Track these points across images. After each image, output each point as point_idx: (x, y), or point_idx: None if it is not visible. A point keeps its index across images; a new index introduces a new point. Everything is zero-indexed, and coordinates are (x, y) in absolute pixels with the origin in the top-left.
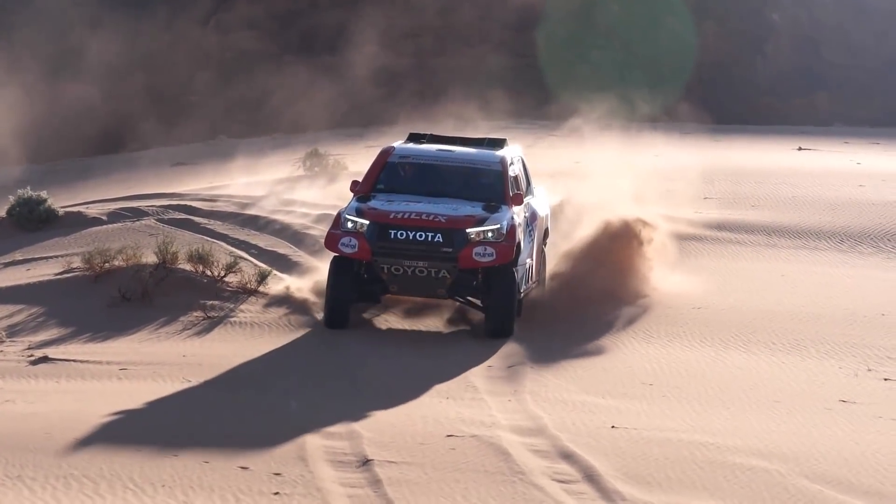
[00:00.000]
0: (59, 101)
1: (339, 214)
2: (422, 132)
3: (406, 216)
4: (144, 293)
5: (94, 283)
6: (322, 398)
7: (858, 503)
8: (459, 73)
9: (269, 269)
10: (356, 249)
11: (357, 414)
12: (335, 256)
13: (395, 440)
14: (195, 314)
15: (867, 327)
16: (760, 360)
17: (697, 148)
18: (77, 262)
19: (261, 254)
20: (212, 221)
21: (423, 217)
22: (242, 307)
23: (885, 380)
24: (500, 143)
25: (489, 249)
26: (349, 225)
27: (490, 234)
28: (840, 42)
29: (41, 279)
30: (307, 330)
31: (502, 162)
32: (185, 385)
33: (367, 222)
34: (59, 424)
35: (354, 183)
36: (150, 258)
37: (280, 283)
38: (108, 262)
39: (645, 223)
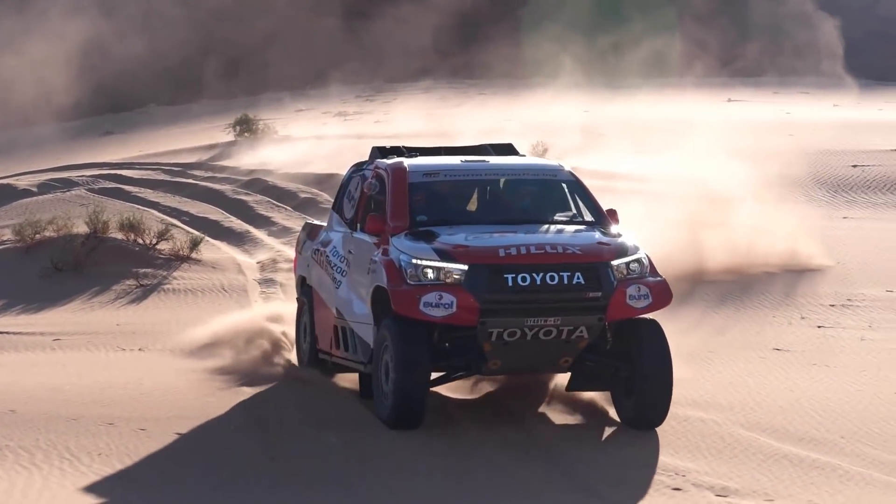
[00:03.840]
0: None
1: (390, 262)
2: (387, 146)
3: (523, 250)
4: (76, 263)
5: (25, 254)
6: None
7: (794, 450)
8: (390, 35)
9: (201, 235)
10: (453, 310)
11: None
12: (398, 320)
13: None
14: (128, 282)
15: (801, 277)
16: (695, 311)
17: (619, 101)
18: (8, 234)
19: (192, 220)
20: (143, 190)
21: (548, 249)
22: (175, 274)
23: (819, 327)
24: (509, 150)
25: (643, 290)
26: (429, 274)
27: (635, 268)
28: None
29: None
30: (240, 294)
31: (565, 169)
32: (120, 353)
33: (464, 267)
34: None
35: (373, 220)
36: (81, 228)
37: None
38: (39, 233)
39: None
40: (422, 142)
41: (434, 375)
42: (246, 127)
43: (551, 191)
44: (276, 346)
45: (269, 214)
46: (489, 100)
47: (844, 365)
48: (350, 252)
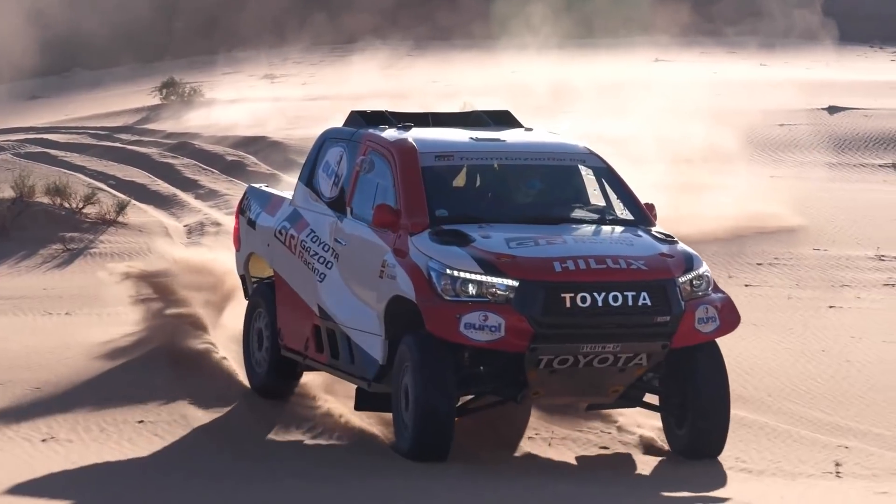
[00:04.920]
0: None
1: (416, 269)
2: (368, 111)
3: (582, 264)
4: (2, 227)
5: None
6: None
7: None
8: None
9: (128, 198)
10: (500, 334)
11: None
12: (423, 338)
13: None
14: (54, 247)
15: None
16: None
17: (544, 63)
18: None
19: (119, 184)
20: (69, 154)
21: (610, 264)
22: (102, 238)
23: (746, 286)
24: (506, 118)
25: (711, 311)
26: (470, 289)
27: (699, 284)
28: None
29: None
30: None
31: (594, 153)
32: (47, 318)
33: (514, 283)
34: None
35: (384, 212)
36: (6, 192)
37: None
38: None
39: None
40: (350, 104)
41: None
42: (172, 90)
43: (580, 180)
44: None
45: (197, 178)
46: (417, 61)
47: (772, 323)
48: (339, 242)
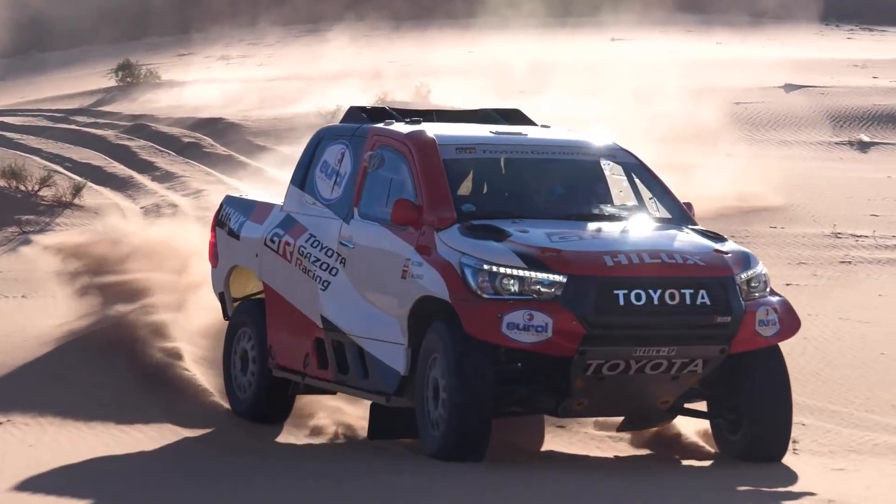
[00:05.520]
0: None
1: (447, 266)
2: (368, 106)
3: (635, 258)
4: None
5: None
6: None
7: None
8: None
9: (84, 181)
10: (548, 335)
11: None
12: (452, 324)
13: None
14: (10, 229)
15: None
16: None
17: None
18: None
19: (75, 166)
20: (24, 136)
21: (665, 259)
22: (58, 220)
23: None
24: (518, 116)
25: (771, 314)
26: (512, 285)
27: (756, 284)
28: None
29: None
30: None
31: (623, 148)
32: (2, 301)
33: (561, 278)
34: None
35: (404, 207)
36: None
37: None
38: None
39: None
40: (306, 86)
41: None
42: (128, 72)
43: (610, 176)
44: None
45: (153, 160)
46: (377, 41)
47: None
48: (346, 245)
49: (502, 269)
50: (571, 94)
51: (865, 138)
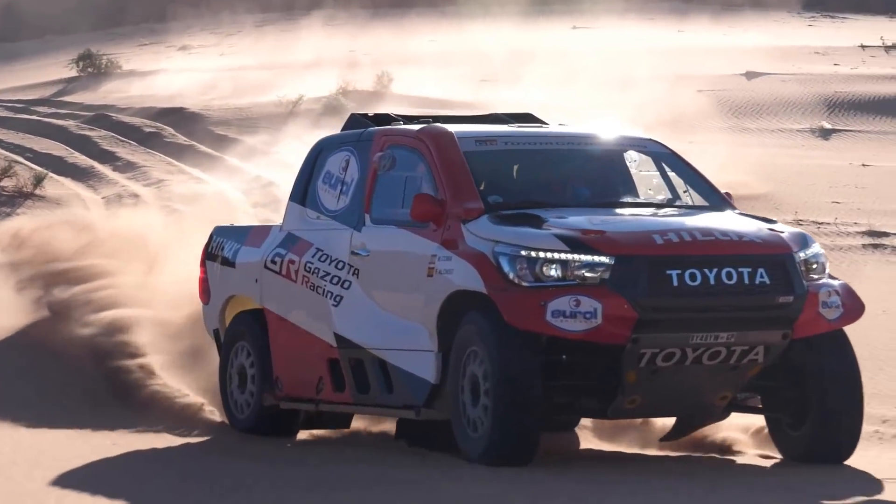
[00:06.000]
0: None
1: (480, 256)
2: (370, 113)
3: (686, 236)
4: None
5: None
6: None
7: None
8: None
9: (45, 171)
10: (597, 321)
11: None
12: (490, 312)
13: None
14: None
15: None
16: None
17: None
18: None
19: (36, 157)
20: None
21: (719, 236)
22: (19, 210)
23: None
24: (530, 120)
25: (833, 296)
26: (552, 270)
27: (815, 268)
28: None
29: None
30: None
31: (655, 140)
32: None
33: (608, 259)
34: None
35: (425, 202)
36: None
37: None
38: None
39: None
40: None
41: None
42: (89, 62)
43: (642, 167)
44: None
45: (114, 150)
46: (343, 30)
47: None
48: (359, 254)
49: (542, 254)
50: (535, 84)
51: (827, 125)
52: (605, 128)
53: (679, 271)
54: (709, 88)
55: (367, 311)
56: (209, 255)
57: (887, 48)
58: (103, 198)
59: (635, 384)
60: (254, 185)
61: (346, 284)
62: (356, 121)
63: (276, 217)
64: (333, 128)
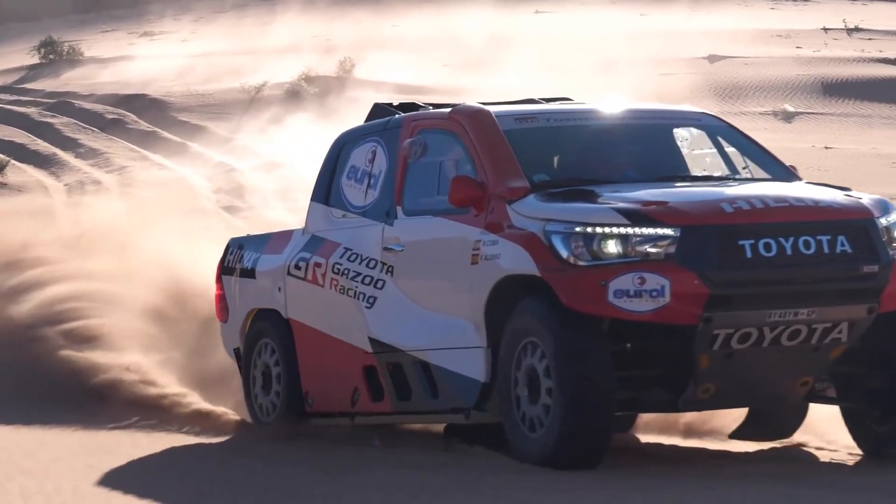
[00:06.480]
0: None
1: (530, 237)
2: (393, 103)
3: (758, 203)
4: None
5: None
6: None
7: None
8: None
9: (7, 158)
10: (665, 300)
11: None
12: (548, 299)
13: None
14: None
15: None
16: None
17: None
18: None
19: None
20: None
21: (793, 202)
22: None
23: None
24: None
25: None
26: (611, 246)
27: None
28: None
29: None
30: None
31: (710, 114)
32: None
33: (673, 231)
34: None
35: (464, 184)
36: None
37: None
38: None
39: None
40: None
41: None
42: (51, 49)
43: (694, 145)
44: None
45: (77, 136)
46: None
47: None
48: (393, 250)
49: (599, 230)
50: (497, 69)
51: (790, 108)
52: (655, 103)
53: (752, 241)
54: (671, 72)
55: (405, 311)
56: (225, 268)
57: (849, 31)
58: (66, 185)
59: (708, 370)
60: (217, 170)
61: (379, 284)
62: (381, 110)
63: (238, 202)
64: (297, 114)
